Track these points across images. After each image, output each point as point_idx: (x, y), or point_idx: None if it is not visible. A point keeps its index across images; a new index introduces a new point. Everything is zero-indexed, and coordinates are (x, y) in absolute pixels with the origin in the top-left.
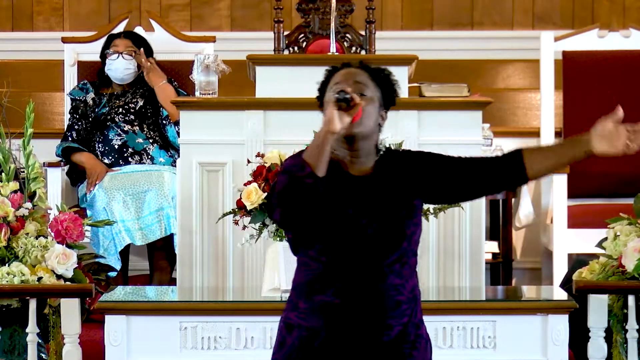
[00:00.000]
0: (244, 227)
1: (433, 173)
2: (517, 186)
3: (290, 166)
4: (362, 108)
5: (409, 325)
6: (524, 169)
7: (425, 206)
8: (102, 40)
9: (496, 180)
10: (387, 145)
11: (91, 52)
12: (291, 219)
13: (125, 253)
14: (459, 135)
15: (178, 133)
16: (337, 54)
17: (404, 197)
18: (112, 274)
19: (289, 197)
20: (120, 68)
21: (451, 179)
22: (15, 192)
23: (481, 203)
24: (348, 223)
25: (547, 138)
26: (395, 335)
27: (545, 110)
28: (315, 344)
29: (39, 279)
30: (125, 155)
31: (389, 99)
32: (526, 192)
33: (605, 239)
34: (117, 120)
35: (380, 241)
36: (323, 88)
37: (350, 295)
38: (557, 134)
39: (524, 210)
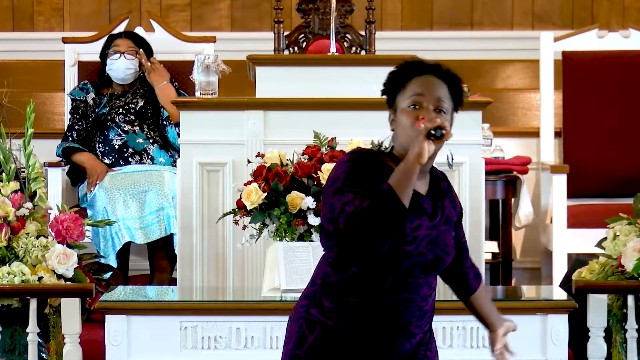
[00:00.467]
0: (244, 227)
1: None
2: (455, 294)
3: (357, 190)
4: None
5: (428, 332)
6: (470, 294)
7: None
8: (103, 41)
9: (451, 279)
10: None
11: (91, 52)
12: (368, 243)
13: (125, 253)
14: (459, 135)
15: (178, 134)
16: (337, 54)
17: (454, 217)
18: (107, 275)
19: (375, 224)
20: (121, 68)
21: None
22: (15, 192)
23: (481, 203)
24: (410, 239)
25: (547, 138)
26: (415, 343)
27: (545, 110)
28: (338, 345)
29: (40, 278)
30: (126, 155)
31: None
32: (526, 192)
33: (605, 238)
34: (117, 120)
35: (438, 260)
36: (395, 86)
37: (384, 302)
38: (557, 133)
39: (524, 210)
